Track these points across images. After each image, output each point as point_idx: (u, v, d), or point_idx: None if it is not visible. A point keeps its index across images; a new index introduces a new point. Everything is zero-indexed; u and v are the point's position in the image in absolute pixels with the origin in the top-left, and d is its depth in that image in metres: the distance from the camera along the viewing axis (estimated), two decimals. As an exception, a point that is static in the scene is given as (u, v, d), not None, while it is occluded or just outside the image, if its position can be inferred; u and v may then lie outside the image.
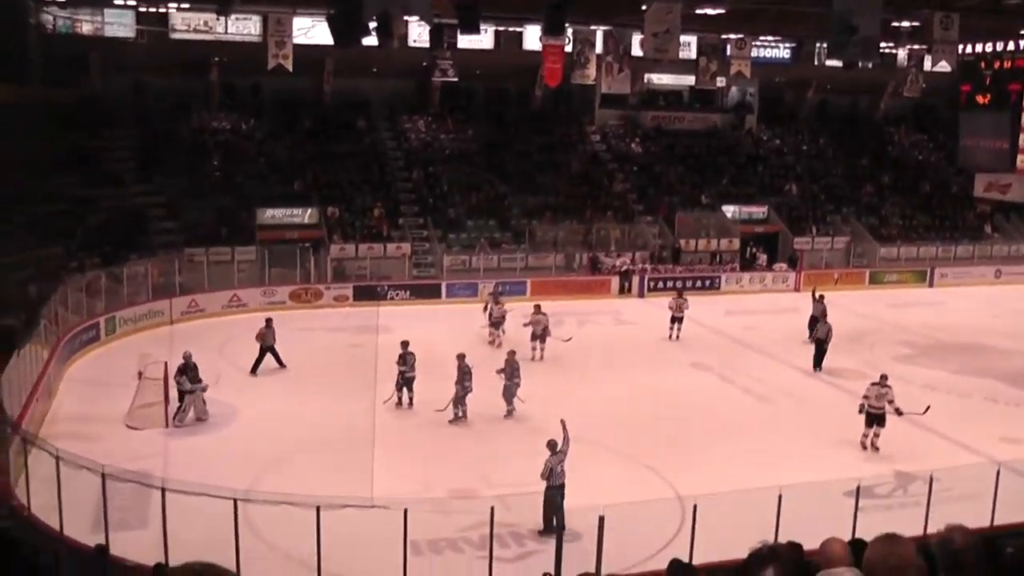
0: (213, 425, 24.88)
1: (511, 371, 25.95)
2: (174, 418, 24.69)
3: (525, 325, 32.12)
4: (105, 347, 32.62)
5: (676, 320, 35.40)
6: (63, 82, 41.34)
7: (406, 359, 26.55)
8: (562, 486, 18.87)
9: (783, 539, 9.70)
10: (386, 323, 32.20)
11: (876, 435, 23.92)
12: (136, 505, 18.45)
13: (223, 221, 41.59)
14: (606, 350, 33.77)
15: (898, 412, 24.06)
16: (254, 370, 29.57)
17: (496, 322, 33.31)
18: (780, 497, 16.12)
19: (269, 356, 29.64)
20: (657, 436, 24.57)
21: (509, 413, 25.77)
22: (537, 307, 32.53)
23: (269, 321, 30.76)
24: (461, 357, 25.59)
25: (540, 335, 31.85)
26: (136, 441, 23.56)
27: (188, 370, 24.90)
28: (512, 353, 26.41)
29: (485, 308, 34.57)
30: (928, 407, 24.55)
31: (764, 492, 16.45)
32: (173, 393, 25.01)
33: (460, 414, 25.34)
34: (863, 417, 24.16)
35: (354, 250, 42.18)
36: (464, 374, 25.35)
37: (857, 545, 4.81)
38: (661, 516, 18.46)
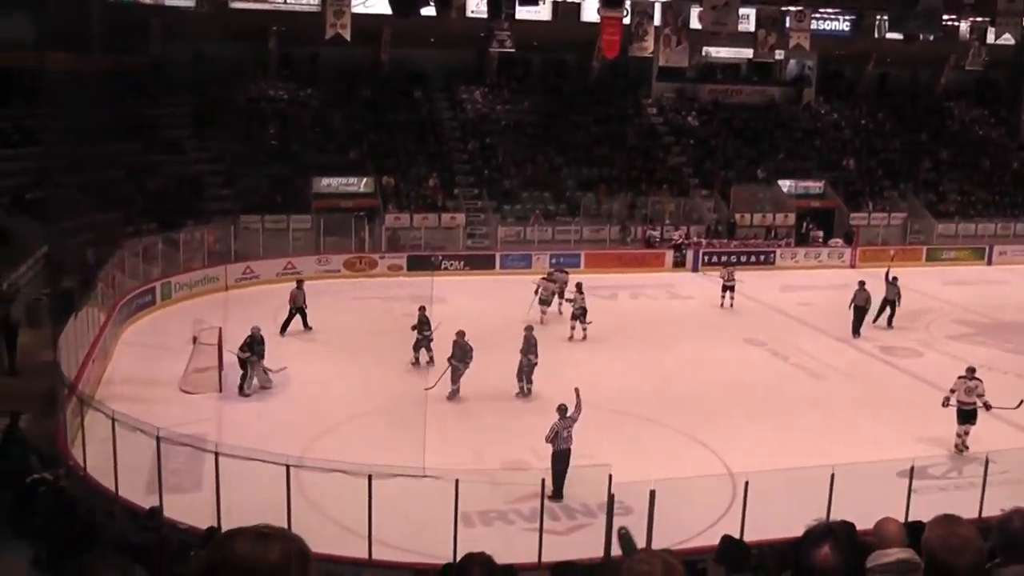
0: (267, 391, 25.03)
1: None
2: (240, 388, 24.84)
3: (568, 302, 31.74)
4: (160, 311, 32.93)
5: (727, 288, 35.68)
6: (124, 50, 41.55)
7: (252, 346, 26.16)
8: (566, 451, 19.07)
9: (835, 519, 9.64)
10: (440, 293, 32.19)
11: (966, 433, 22.20)
12: (189, 468, 18.65)
13: (279, 189, 41.82)
14: (659, 324, 33.65)
15: (987, 407, 22.43)
16: (283, 330, 29.96)
17: (545, 299, 32.75)
18: (832, 476, 16.00)
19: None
20: (709, 411, 24.41)
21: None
22: (579, 285, 31.65)
23: (300, 282, 31.39)
24: (529, 329, 25.68)
25: (582, 314, 30.87)
26: (190, 405, 23.76)
27: (255, 344, 24.99)
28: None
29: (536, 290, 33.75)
30: (1022, 402, 22.81)
31: (816, 471, 16.33)
32: (229, 359, 25.16)
33: (525, 389, 25.20)
34: (947, 412, 22.67)
35: (409, 220, 42.25)
36: (530, 346, 25.26)
37: (914, 527, 4.74)
38: (712, 492, 18.40)
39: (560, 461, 19.13)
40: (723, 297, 35.79)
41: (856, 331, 32.50)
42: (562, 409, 19.55)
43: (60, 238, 29.36)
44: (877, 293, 32.94)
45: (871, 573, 3.96)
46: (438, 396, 24.09)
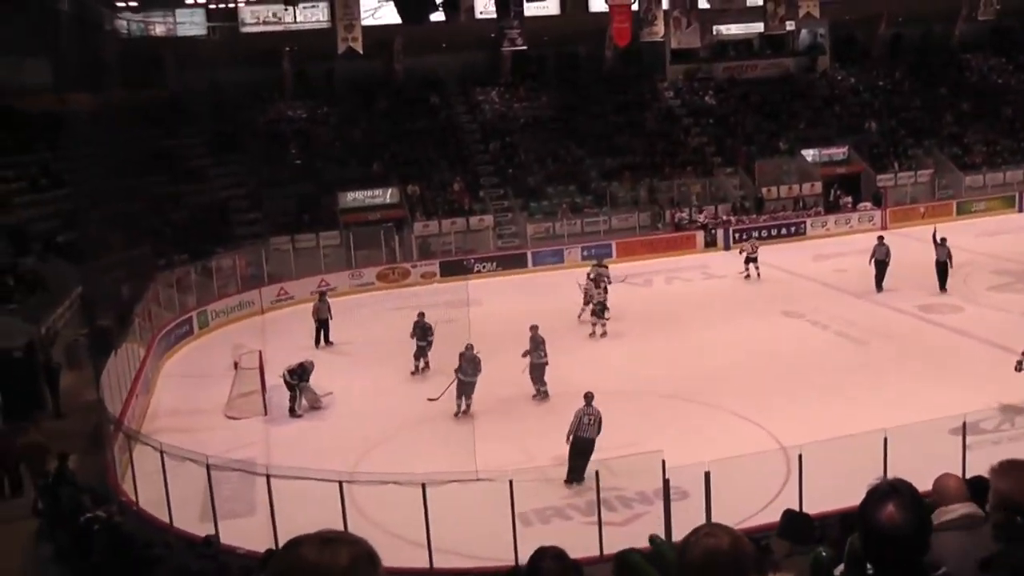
0: (311, 409, 25.05)
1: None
2: (290, 410, 24.87)
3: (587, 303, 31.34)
4: (199, 340, 33.04)
5: (751, 260, 36.33)
6: (141, 84, 41.80)
7: (416, 330, 27.41)
8: (582, 440, 19.28)
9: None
10: (476, 296, 32.13)
11: None
12: (242, 493, 18.69)
13: (305, 208, 41.92)
14: (696, 305, 33.49)
15: None
16: (317, 343, 30.36)
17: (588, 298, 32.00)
18: (885, 440, 15.88)
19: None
20: (754, 387, 24.29)
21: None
22: (598, 281, 31.55)
23: (322, 295, 32.00)
24: (534, 328, 25.20)
25: (600, 310, 30.50)
26: (237, 430, 23.83)
27: (305, 373, 25.04)
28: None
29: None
30: None
31: (868, 436, 16.19)
32: (272, 382, 25.21)
33: (540, 392, 24.82)
34: (994, 366, 22.59)
35: (437, 226, 42.24)
36: (536, 344, 24.92)
37: (974, 482, 4.64)
38: (766, 468, 18.27)
39: (574, 448, 19.31)
40: (747, 269, 36.32)
41: (879, 286, 33.23)
42: (588, 396, 19.67)
43: (93, 277, 29.52)
44: (912, 252, 32.60)
45: (937, 530, 3.87)
46: (484, 400, 23.96)
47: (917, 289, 32.26)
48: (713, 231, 42.30)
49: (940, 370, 24.41)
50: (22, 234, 34.20)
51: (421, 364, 27.27)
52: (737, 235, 42.48)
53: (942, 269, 32.27)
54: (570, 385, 22.60)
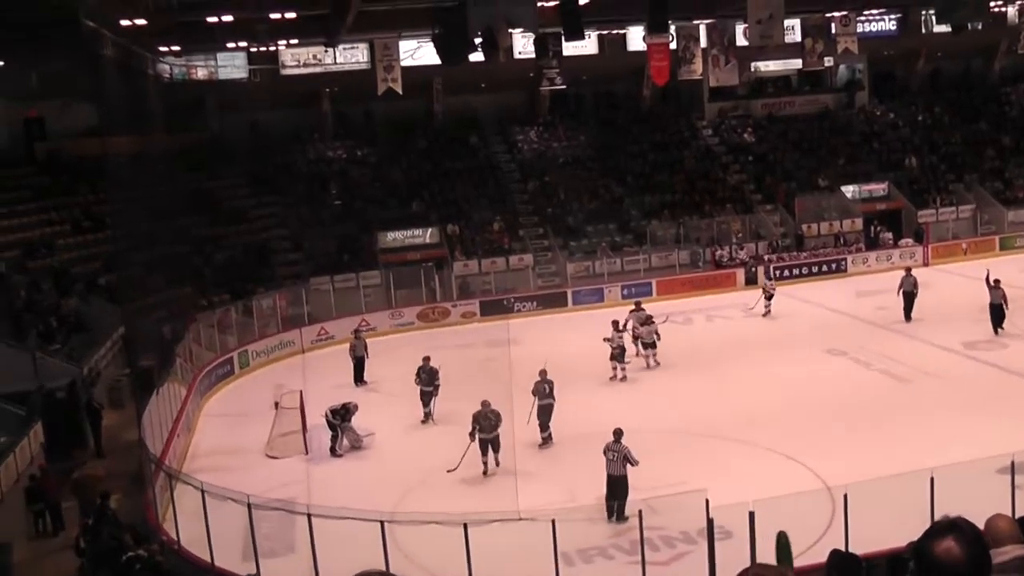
0: (352, 449, 25.01)
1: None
2: (331, 449, 24.86)
3: (605, 340, 30.05)
4: (240, 380, 33.15)
5: (769, 297, 36.61)
6: (182, 127, 42.21)
7: (421, 374, 26.94)
8: (610, 478, 19.54)
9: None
10: (516, 335, 32.07)
11: None
12: (283, 532, 18.65)
13: (345, 248, 42.09)
14: (737, 343, 33.25)
15: None
16: (356, 382, 30.72)
17: (635, 336, 31.64)
18: (932, 480, 15.61)
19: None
20: (798, 425, 24.07)
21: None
22: (615, 323, 30.27)
23: (357, 332, 32.53)
24: (543, 372, 24.68)
25: (620, 354, 29.79)
26: (277, 470, 23.84)
27: (348, 414, 25.05)
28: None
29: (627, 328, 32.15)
30: None
31: (914, 476, 15.93)
32: (313, 421, 25.24)
33: (542, 438, 24.45)
34: None
35: (477, 265, 42.29)
36: (542, 387, 24.51)
37: (1024, 522, 4.52)
38: (811, 508, 18.02)
39: (607, 487, 19.39)
40: (767, 307, 36.57)
41: (908, 316, 33.96)
42: (616, 433, 19.72)
43: (135, 318, 29.72)
44: (956, 288, 32.17)
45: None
46: (526, 440, 23.82)
47: (961, 326, 31.89)
48: (753, 269, 42.06)
49: (986, 408, 24.07)
50: (65, 275, 34.57)
51: (427, 411, 26.84)
52: (778, 272, 42.28)
53: (997, 312, 31.57)
54: (613, 423, 22.46)
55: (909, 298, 34.14)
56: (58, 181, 40.17)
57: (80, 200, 39.56)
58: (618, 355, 29.77)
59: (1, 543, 19.85)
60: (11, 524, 21.39)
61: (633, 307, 32.81)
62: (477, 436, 22.44)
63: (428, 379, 27.00)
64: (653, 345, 30.70)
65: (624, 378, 29.60)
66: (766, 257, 43.50)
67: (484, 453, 22.50)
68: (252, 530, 17.30)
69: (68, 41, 24.85)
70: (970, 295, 32.59)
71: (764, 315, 36.52)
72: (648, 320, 31.25)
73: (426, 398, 26.88)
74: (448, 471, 22.79)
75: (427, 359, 27.18)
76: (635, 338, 31.34)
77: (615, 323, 30.17)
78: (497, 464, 22.58)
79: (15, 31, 30.20)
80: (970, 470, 16.87)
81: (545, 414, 24.29)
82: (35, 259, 35.33)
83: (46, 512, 22.18)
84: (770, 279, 38.84)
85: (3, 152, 41.20)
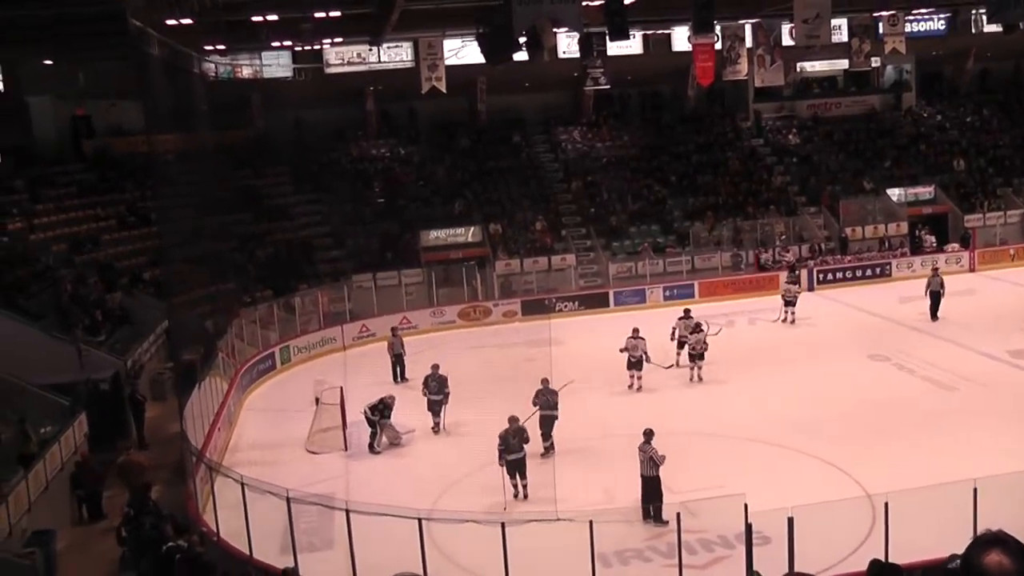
0: (391, 446, 25.08)
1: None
2: (370, 446, 24.96)
3: (621, 351, 28.82)
4: (281, 376, 33.33)
5: (789, 304, 36.02)
6: (227, 125, 42.50)
7: (430, 383, 26.14)
8: (645, 479, 19.41)
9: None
10: (557, 335, 32.03)
11: None
12: (321, 527, 18.77)
13: (388, 246, 42.25)
14: (779, 347, 33.08)
15: None
16: (395, 379, 30.66)
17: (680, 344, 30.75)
18: (975, 490, 15.42)
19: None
20: (839, 432, 23.85)
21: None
22: (635, 331, 28.97)
23: (394, 330, 32.72)
24: (544, 381, 23.95)
25: (637, 363, 28.59)
26: (317, 465, 23.98)
27: (386, 410, 25.05)
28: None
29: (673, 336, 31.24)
30: None
31: (957, 486, 15.74)
32: (353, 417, 25.34)
33: (543, 448, 23.71)
34: None
35: (519, 265, 42.29)
36: (545, 396, 23.83)
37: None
38: (851, 515, 17.86)
39: (642, 489, 19.32)
40: (786, 312, 35.98)
41: (934, 315, 34.78)
42: (647, 433, 19.69)
43: (178, 312, 29.96)
44: (1003, 295, 31.78)
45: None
46: (565, 440, 23.80)
47: (1008, 334, 31.54)
48: (797, 272, 41.81)
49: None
50: (111, 270, 34.92)
51: (438, 421, 26.15)
52: (821, 276, 42.07)
53: None
54: (652, 424, 22.41)
55: (936, 298, 35.00)
56: (105, 177, 40.64)
57: (126, 196, 40.02)
58: (635, 364, 28.61)
59: (45, 529, 20.12)
60: (56, 511, 21.65)
61: (682, 314, 31.36)
62: (506, 459, 21.08)
63: (437, 388, 26.16)
64: (701, 356, 29.38)
65: (640, 388, 28.53)
66: (809, 261, 43.20)
67: (512, 476, 21.18)
68: (291, 524, 17.38)
69: (115, 40, 25.06)
70: (1017, 302, 32.18)
71: (786, 321, 35.89)
72: (697, 328, 30.09)
73: (436, 407, 26.13)
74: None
75: (435, 367, 26.49)
76: (680, 346, 30.48)
77: (635, 330, 29.02)
78: (525, 496, 21.13)
79: (63, 31, 30.55)
80: (1016, 481, 16.68)
81: (548, 425, 23.60)
82: (81, 254, 35.74)
83: (92, 499, 22.51)
84: (795, 283, 38.34)
85: (52, 149, 41.71)
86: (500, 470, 21.10)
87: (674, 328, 30.60)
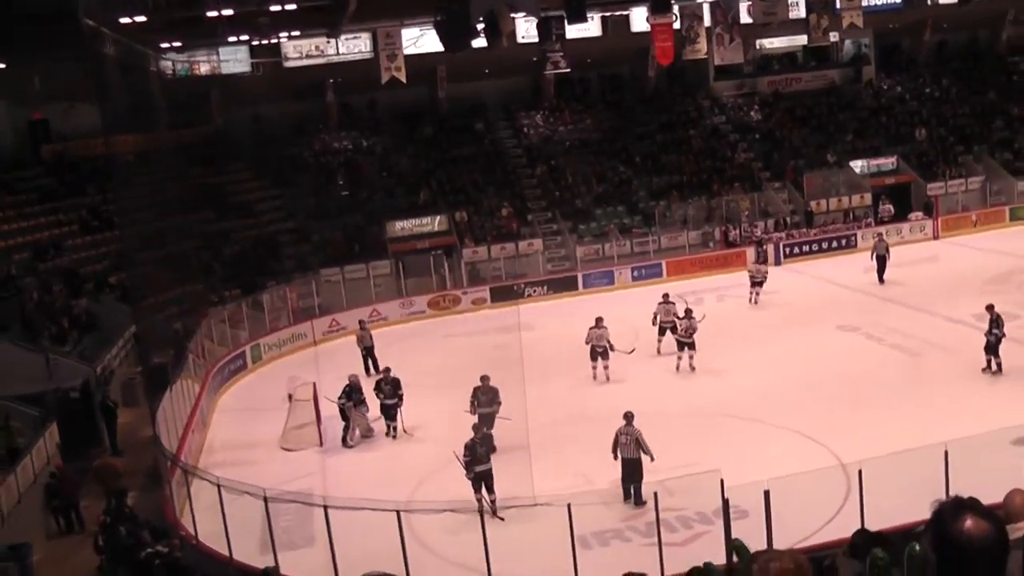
0: (368, 439, 25.02)
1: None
2: (343, 440, 24.89)
3: (587, 343, 28.13)
4: (253, 374, 33.21)
5: (757, 284, 35.78)
6: (186, 123, 42.26)
7: (383, 387, 25.24)
8: (625, 460, 19.41)
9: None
10: (527, 320, 32.08)
11: None
12: (300, 525, 18.73)
13: (354, 238, 42.12)
14: (748, 322, 33.24)
15: None
16: (367, 372, 30.00)
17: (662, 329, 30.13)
18: (946, 453, 15.58)
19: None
20: (810, 403, 24.04)
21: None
22: (598, 320, 28.13)
23: (362, 323, 32.58)
24: (485, 379, 23.79)
25: (603, 352, 27.75)
26: (293, 462, 23.90)
27: (353, 392, 24.95)
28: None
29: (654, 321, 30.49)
30: None
31: (928, 450, 15.89)
32: (327, 412, 25.26)
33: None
34: None
35: (487, 252, 42.26)
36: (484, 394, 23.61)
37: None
38: (826, 485, 18.00)
39: (622, 471, 19.42)
40: (752, 292, 35.71)
41: (880, 279, 36.32)
42: (627, 416, 19.71)
43: (146, 316, 29.78)
44: (966, 260, 31.96)
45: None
46: (539, 425, 23.80)
47: (972, 298, 31.67)
48: (764, 247, 41.92)
49: (999, 380, 24.04)
50: (75, 276, 34.65)
51: (394, 425, 25.26)
52: (788, 249, 42.22)
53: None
54: (626, 405, 22.38)
55: (881, 261, 36.60)
56: (65, 182, 40.26)
57: (87, 200, 39.66)
58: (601, 353, 27.82)
59: (21, 543, 19.96)
60: (30, 524, 21.49)
61: (661, 299, 30.45)
62: (473, 470, 19.65)
63: (392, 391, 25.26)
64: (692, 346, 28.19)
65: (608, 379, 27.76)
66: (775, 236, 43.31)
67: (477, 490, 19.58)
68: (269, 523, 17.34)
69: (68, 41, 24.81)
70: (979, 266, 32.36)
71: (752, 302, 35.58)
72: (688, 314, 28.70)
73: (391, 411, 25.19)
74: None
75: (387, 370, 25.84)
76: (661, 332, 29.70)
77: (599, 319, 28.14)
78: (494, 511, 19.23)
79: (15, 32, 30.20)
80: (984, 443, 16.83)
81: (488, 422, 22.76)
82: (45, 260, 35.40)
83: (68, 510, 22.35)
84: (761, 261, 38.50)
85: (9, 155, 41.30)
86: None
87: (655, 314, 30.09)
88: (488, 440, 21.04)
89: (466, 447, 19.85)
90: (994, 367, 24.73)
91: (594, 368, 27.95)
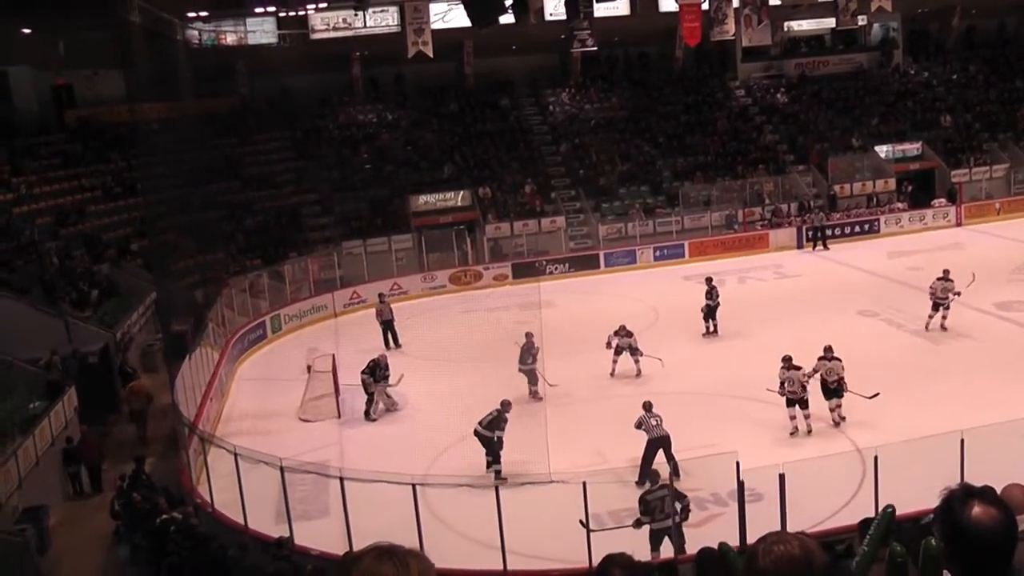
0: (386, 412, 25.02)
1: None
2: (366, 413, 24.81)
3: (607, 347, 26.50)
4: (272, 344, 33.24)
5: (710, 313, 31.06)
6: (212, 92, 42.23)
7: (375, 369, 24.90)
8: (664, 437, 19.06)
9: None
10: (548, 298, 31.94)
11: None
12: (316, 495, 18.75)
13: (377, 211, 42.11)
14: (769, 305, 33.03)
15: None
16: (386, 345, 30.10)
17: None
18: (963, 442, 15.47)
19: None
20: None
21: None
22: (622, 328, 26.49)
23: (381, 296, 32.30)
24: (528, 335, 24.29)
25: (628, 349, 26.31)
26: (310, 433, 23.91)
27: (377, 369, 24.84)
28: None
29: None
30: None
31: (945, 438, 15.78)
32: (346, 384, 25.25)
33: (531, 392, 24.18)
34: None
35: (509, 228, 42.18)
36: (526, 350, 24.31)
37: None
38: (842, 470, 17.96)
39: (651, 448, 19.15)
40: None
41: (824, 245, 39.92)
42: (646, 405, 19.57)
43: (167, 283, 29.83)
44: (989, 248, 31.67)
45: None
46: (555, 402, 23.80)
47: (994, 287, 31.47)
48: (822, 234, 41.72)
49: (1019, 370, 23.84)
50: (97, 242, 34.71)
51: (380, 408, 25.04)
52: (810, 234, 42.01)
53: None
54: (647, 385, 22.43)
55: (822, 231, 40.11)
56: (89, 148, 40.29)
57: (111, 166, 39.71)
58: (711, 314, 29.68)
59: (38, 505, 20.08)
60: (48, 487, 21.62)
61: (617, 328, 26.72)
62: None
63: (380, 374, 25.01)
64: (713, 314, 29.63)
65: (639, 373, 26.38)
66: (800, 217, 43.11)
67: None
68: (285, 493, 17.37)
69: (94, 7, 24.76)
70: (1003, 255, 32.09)
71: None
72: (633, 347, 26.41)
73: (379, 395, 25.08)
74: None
75: (383, 356, 25.68)
76: (617, 353, 26.49)
77: (622, 328, 26.61)
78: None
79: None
80: (1002, 432, 16.69)
81: (531, 377, 24.18)
82: (67, 226, 35.44)
83: (90, 472, 22.49)
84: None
85: (33, 119, 41.32)
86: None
87: (609, 339, 26.73)
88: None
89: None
90: None
91: (614, 363, 26.62)
